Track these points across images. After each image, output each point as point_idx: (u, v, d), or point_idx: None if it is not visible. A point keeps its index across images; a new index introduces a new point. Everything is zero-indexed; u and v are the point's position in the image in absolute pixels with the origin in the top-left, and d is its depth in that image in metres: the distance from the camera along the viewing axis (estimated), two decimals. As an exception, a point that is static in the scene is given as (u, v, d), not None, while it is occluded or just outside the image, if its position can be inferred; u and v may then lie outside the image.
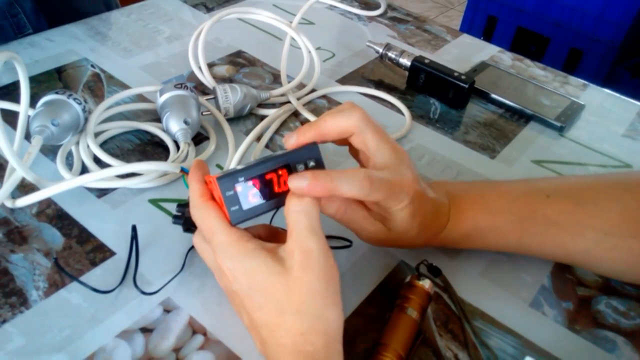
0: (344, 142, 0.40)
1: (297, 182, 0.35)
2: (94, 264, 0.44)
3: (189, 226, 0.42)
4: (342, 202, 0.39)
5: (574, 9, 1.76)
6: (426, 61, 0.66)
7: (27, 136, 0.50)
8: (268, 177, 0.36)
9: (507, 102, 0.66)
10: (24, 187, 0.49)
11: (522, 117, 0.65)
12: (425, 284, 0.41)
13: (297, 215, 0.34)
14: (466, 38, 0.82)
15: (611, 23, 1.70)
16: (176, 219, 0.43)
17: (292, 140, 0.37)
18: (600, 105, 0.69)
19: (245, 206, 0.36)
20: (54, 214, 0.47)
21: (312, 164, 0.37)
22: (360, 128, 0.38)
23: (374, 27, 0.82)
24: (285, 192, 0.36)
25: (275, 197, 0.37)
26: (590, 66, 1.79)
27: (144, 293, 0.41)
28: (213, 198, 0.37)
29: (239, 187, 0.36)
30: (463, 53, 0.78)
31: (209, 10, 0.81)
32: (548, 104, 0.66)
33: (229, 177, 0.35)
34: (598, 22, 1.73)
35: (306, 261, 0.33)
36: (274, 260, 0.34)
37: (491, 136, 0.62)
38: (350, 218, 0.40)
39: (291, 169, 0.37)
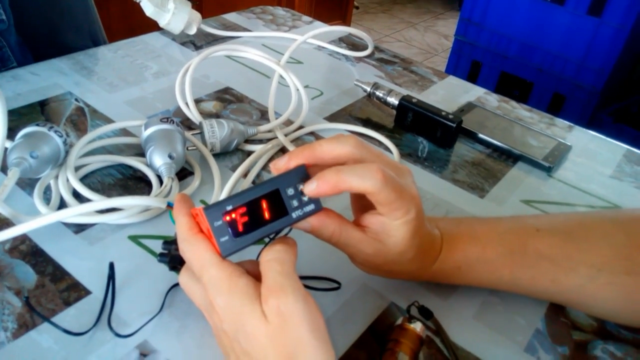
0: None
1: (309, 189, 0.35)
2: (68, 303, 0.41)
3: (175, 264, 0.40)
4: (337, 225, 0.38)
5: (556, 55, 1.81)
6: (414, 100, 0.66)
7: (5, 169, 0.49)
8: (258, 203, 0.35)
9: (494, 142, 0.66)
10: (-2, 222, 0.47)
11: (509, 157, 0.65)
12: (417, 327, 0.39)
13: (268, 264, 0.33)
14: (452, 80, 0.82)
15: (592, 70, 1.75)
16: (162, 256, 0.41)
17: (283, 162, 0.36)
18: (586, 147, 0.70)
19: (235, 236, 0.34)
20: (28, 250, 0.45)
21: (301, 186, 0.36)
22: (355, 155, 0.37)
23: (361, 68, 0.82)
24: (278, 218, 0.35)
25: (266, 224, 0.35)
26: (574, 110, 1.83)
27: (118, 335, 0.39)
28: (202, 231, 0.35)
29: (228, 217, 0.34)
30: (449, 94, 0.78)
31: (197, 48, 0.81)
32: (535, 144, 0.66)
33: (217, 207, 0.34)
34: (580, 69, 1.78)
35: (284, 307, 0.31)
36: (260, 305, 0.32)
37: (480, 175, 0.62)
38: (346, 241, 0.38)
39: (281, 193, 0.35)
